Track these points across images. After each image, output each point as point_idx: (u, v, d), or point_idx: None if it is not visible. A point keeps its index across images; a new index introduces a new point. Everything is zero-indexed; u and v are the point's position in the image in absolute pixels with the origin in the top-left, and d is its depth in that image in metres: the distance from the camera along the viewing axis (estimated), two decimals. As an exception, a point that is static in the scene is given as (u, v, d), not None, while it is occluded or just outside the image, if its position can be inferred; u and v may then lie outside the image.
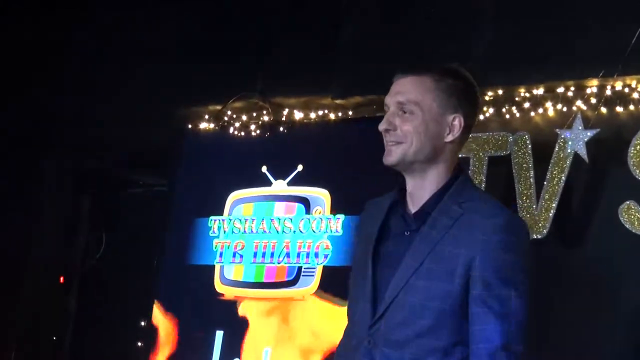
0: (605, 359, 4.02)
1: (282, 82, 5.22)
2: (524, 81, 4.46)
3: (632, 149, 4.07)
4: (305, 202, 5.03)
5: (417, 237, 2.37)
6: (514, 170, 4.37)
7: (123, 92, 5.70)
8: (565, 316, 4.12)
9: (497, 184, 4.40)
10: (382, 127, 2.41)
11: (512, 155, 4.39)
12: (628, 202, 4.04)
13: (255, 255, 5.14)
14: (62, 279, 6.20)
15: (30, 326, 5.99)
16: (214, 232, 5.30)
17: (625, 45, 4.06)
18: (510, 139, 4.42)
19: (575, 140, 4.23)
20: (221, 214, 5.30)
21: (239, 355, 5.06)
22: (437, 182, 2.41)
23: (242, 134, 5.41)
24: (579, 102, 4.29)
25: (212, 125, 5.54)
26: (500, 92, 4.52)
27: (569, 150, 4.23)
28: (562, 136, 4.27)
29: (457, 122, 2.41)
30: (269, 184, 5.20)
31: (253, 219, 5.18)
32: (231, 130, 5.45)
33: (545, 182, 4.27)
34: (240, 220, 5.22)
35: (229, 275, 5.21)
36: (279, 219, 5.09)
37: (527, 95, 4.47)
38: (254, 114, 5.41)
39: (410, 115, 2.38)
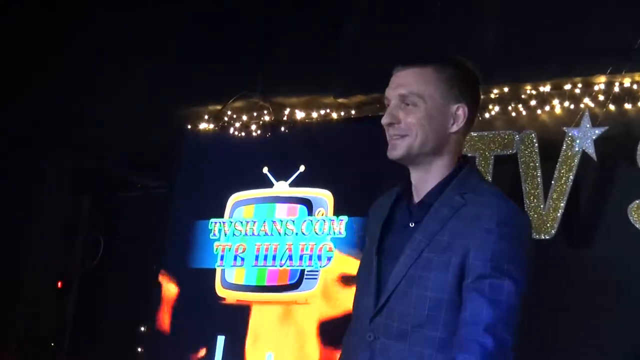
0: (613, 359, 4.01)
1: (283, 81, 5.22)
2: (530, 78, 4.45)
3: (641, 146, 4.05)
4: (307, 203, 5.01)
5: (418, 228, 2.37)
6: (520, 170, 4.35)
7: (123, 92, 5.70)
8: (574, 317, 4.10)
9: (504, 183, 4.37)
10: (385, 120, 2.40)
11: (519, 154, 4.37)
12: (638, 201, 4.02)
13: (256, 258, 5.12)
14: (60, 283, 6.19)
15: (29, 329, 6.00)
16: (214, 234, 5.29)
17: (633, 41, 4.04)
18: (517, 137, 4.39)
19: (583, 139, 4.21)
20: (222, 216, 5.28)
21: (241, 361, 5.05)
22: (442, 173, 2.43)
23: (243, 134, 5.40)
24: (586, 99, 4.27)
25: (212, 126, 5.53)
26: (506, 89, 4.51)
27: (576, 149, 4.21)
28: (570, 134, 4.24)
29: (461, 112, 2.42)
30: (271, 185, 5.18)
31: (254, 221, 5.17)
32: (231, 130, 5.43)
33: (552, 182, 4.25)
34: (241, 222, 5.21)
35: (230, 279, 5.19)
36: (281, 221, 5.08)
37: (534, 92, 4.45)
38: (255, 114, 5.40)
39: (414, 107, 2.39)
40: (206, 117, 5.53)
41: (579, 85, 4.31)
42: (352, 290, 2.59)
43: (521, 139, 4.38)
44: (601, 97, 4.23)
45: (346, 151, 4.95)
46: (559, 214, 4.21)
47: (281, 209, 5.11)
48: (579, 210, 4.24)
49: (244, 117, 5.43)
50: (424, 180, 2.43)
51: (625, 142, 4.14)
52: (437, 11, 4.74)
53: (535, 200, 4.27)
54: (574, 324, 4.09)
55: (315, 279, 4.87)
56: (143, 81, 5.61)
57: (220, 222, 5.28)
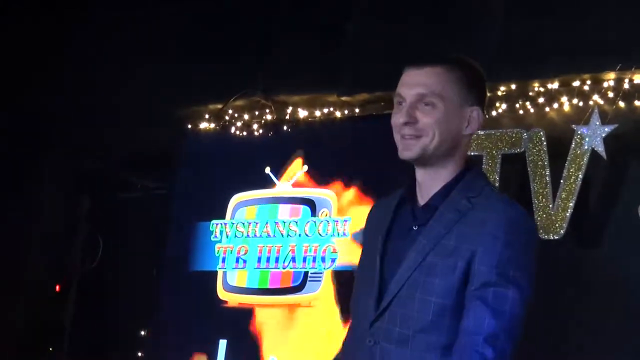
0: (623, 359, 3.99)
1: (286, 80, 5.21)
2: (537, 75, 4.43)
3: (652, 144, 4.03)
4: (310, 204, 5.00)
5: (423, 232, 2.35)
6: (529, 169, 4.32)
7: (123, 92, 5.69)
8: (583, 318, 4.08)
9: (512, 182, 4.36)
10: (402, 119, 2.37)
11: (527, 152, 4.35)
12: (648, 201, 4.00)
13: (259, 260, 5.11)
14: (58, 287, 6.18)
15: (28, 333, 5.99)
16: (216, 236, 5.28)
17: (643, 36, 4.03)
18: (525, 135, 4.37)
19: (593, 136, 4.19)
20: (223, 217, 5.27)
21: (243, 364, 5.04)
22: (450, 175, 2.40)
23: (244, 133, 5.38)
24: (595, 97, 4.26)
25: (213, 125, 5.51)
26: (513, 86, 4.49)
27: (586, 147, 4.19)
28: (579, 132, 4.22)
29: (476, 114, 2.40)
30: (273, 185, 5.16)
31: (256, 223, 5.16)
32: (233, 130, 5.42)
33: (561, 181, 4.22)
34: (243, 223, 5.20)
35: (232, 282, 5.18)
36: (284, 222, 5.06)
37: (542, 89, 4.43)
38: (257, 113, 5.38)
39: (432, 107, 2.36)
40: (207, 116, 5.52)
41: (588, 82, 4.30)
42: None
43: (529, 137, 4.35)
44: (611, 94, 4.22)
45: (350, 150, 4.95)
46: (568, 214, 4.18)
47: (284, 210, 5.10)
48: (589, 209, 4.22)
49: (246, 116, 5.42)
50: (432, 182, 2.41)
51: (635, 140, 4.13)
52: (442, 8, 4.73)
53: (543, 199, 4.25)
54: (584, 324, 4.08)
55: (319, 281, 4.86)
56: (143, 81, 5.61)
57: (221, 224, 5.27)
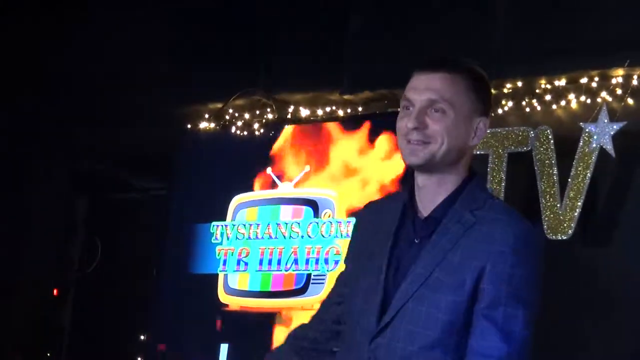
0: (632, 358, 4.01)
1: (287, 78, 5.21)
2: (544, 72, 4.42)
3: (662, 142, 4.03)
4: (313, 204, 5.00)
5: (426, 245, 2.33)
6: (535, 167, 4.32)
7: (122, 92, 5.69)
8: (592, 319, 4.08)
9: (518, 182, 4.36)
10: (411, 124, 2.34)
11: (534, 151, 4.35)
12: (659, 199, 4.00)
13: (261, 262, 5.11)
14: (55, 291, 6.19)
15: (25, 338, 5.99)
16: (216, 238, 5.28)
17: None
18: (532, 134, 4.37)
19: (601, 134, 4.19)
20: (224, 219, 5.27)
21: (245, 370, 5.04)
22: (452, 185, 2.38)
23: (245, 133, 5.38)
24: (604, 94, 4.26)
25: (213, 125, 5.51)
26: (519, 84, 4.49)
27: (594, 145, 4.19)
28: (587, 130, 4.22)
29: (482, 125, 2.39)
30: (275, 186, 5.16)
31: (258, 224, 5.15)
32: (233, 129, 5.42)
33: (569, 180, 4.22)
34: (244, 225, 5.19)
35: (233, 285, 5.18)
36: (286, 224, 5.06)
37: (549, 86, 4.44)
38: (257, 112, 5.38)
39: (442, 114, 2.34)
40: (207, 115, 5.51)
41: (596, 78, 4.30)
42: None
43: (536, 135, 4.35)
44: (619, 91, 4.22)
45: (352, 150, 4.93)
46: (576, 214, 4.18)
47: (286, 211, 5.10)
48: (597, 209, 4.21)
49: (247, 116, 5.41)
50: (434, 190, 2.38)
51: (644, 138, 4.13)
52: (446, 5, 4.74)
53: (551, 199, 4.25)
54: (592, 325, 4.08)
55: (322, 283, 4.85)
56: (142, 81, 5.61)
57: (222, 225, 5.27)
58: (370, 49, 4.97)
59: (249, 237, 5.17)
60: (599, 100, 4.25)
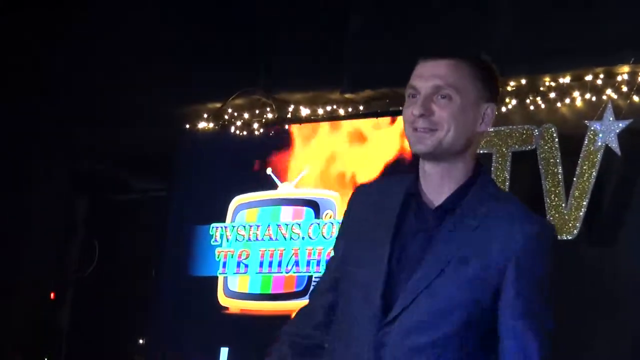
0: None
1: (287, 77, 5.21)
2: (549, 69, 4.42)
3: (669, 140, 4.03)
4: (314, 205, 5.00)
5: (439, 237, 2.30)
6: (540, 166, 4.32)
7: (121, 92, 5.70)
8: (599, 320, 4.08)
9: (523, 181, 4.35)
10: (416, 111, 2.34)
11: (538, 149, 4.34)
12: (665, 198, 4.00)
13: (261, 264, 5.11)
14: (53, 295, 6.19)
15: (23, 341, 6.00)
16: (216, 240, 5.28)
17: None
18: (536, 132, 4.36)
19: (606, 132, 4.18)
20: (224, 220, 5.27)
21: (245, 374, 5.04)
22: (461, 175, 2.37)
23: (245, 133, 5.38)
24: (609, 91, 4.25)
25: (212, 125, 5.51)
26: (523, 81, 4.48)
27: (599, 143, 4.18)
28: (592, 128, 4.21)
29: (490, 111, 2.38)
30: (275, 187, 5.16)
31: (258, 226, 5.15)
32: (233, 129, 5.41)
33: (574, 178, 4.22)
34: (244, 226, 5.19)
35: (233, 287, 5.18)
36: (286, 225, 5.06)
37: (553, 84, 4.43)
38: (257, 112, 5.38)
39: (449, 101, 2.33)
40: (206, 115, 5.51)
41: (601, 76, 4.29)
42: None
43: (540, 133, 4.35)
44: (624, 88, 4.22)
45: (354, 149, 4.93)
46: (581, 213, 4.17)
47: (286, 212, 5.10)
48: (603, 208, 4.21)
49: (246, 115, 5.41)
50: (442, 181, 2.36)
51: (651, 136, 4.13)
52: (448, 2, 4.74)
53: (556, 198, 4.24)
54: (598, 326, 4.08)
55: (324, 285, 4.84)
56: (142, 80, 5.62)
57: (222, 227, 5.27)
58: (370, 49, 4.97)
59: (249, 239, 5.17)
60: (604, 97, 4.25)
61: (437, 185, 2.36)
